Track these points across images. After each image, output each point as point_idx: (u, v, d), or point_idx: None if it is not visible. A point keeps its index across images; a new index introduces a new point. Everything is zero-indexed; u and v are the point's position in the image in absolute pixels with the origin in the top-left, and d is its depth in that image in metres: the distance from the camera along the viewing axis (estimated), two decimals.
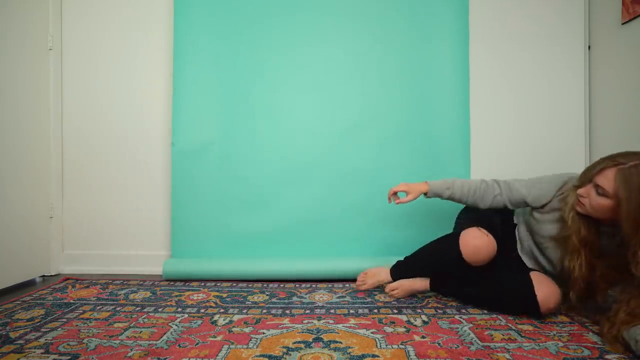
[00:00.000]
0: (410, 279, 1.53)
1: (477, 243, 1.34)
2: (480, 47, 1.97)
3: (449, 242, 1.41)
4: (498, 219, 1.46)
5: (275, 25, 1.89)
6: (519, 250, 1.46)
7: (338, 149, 1.88)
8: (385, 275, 1.57)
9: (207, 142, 1.88)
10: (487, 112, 2.00)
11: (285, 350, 1.06)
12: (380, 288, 1.61)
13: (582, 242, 1.20)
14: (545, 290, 1.25)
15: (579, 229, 1.21)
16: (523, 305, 1.28)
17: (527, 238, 1.43)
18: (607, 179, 1.12)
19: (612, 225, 1.17)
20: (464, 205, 1.56)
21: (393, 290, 1.53)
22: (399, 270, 1.55)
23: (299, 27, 1.89)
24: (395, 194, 1.55)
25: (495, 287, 1.36)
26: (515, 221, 1.51)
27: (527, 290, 1.26)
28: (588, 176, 1.19)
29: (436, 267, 1.49)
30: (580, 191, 1.19)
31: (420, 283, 1.52)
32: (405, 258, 1.55)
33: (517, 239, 1.47)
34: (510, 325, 1.23)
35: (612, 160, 1.14)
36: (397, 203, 1.53)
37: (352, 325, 1.23)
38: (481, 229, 1.37)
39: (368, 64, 1.89)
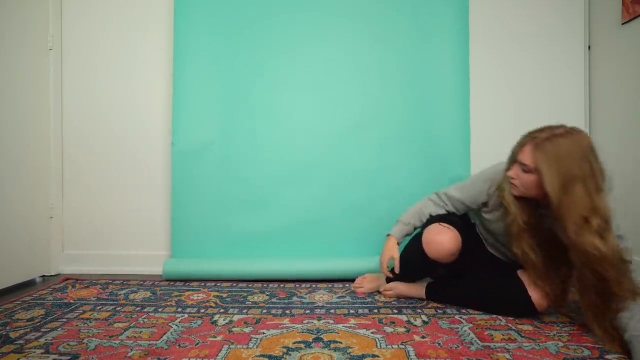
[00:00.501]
0: (407, 284, 1.52)
1: (439, 239, 1.34)
2: (481, 47, 1.97)
3: (416, 243, 1.41)
4: (457, 217, 1.46)
5: (275, 25, 1.89)
6: (487, 247, 1.47)
7: (338, 149, 1.88)
8: (382, 281, 1.59)
9: (207, 142, 1.88)
10: (487, 112, 2.00)
11: (285, 350, 1.06)
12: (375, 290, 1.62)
13: (525, 224, 1.21)
14: (538, 289, 1.24)
15: (519, 213, 1.22)
16: (520, 308, 1.28)
17: (488, 236, 1.44)
18: (526, 155, 1.15)
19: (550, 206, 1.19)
20: None
21: (387, 290, 1.54)
22: (391, 276, 1.55)
23: (299, 27, 1.89)
24: (387, 268, 1.49)
25: (489, 295, 1.35)
26: (472, 220, 1.52)
27: (521, 293, 1.26)
28: (512, 157, 1.21)
29: (412, 269, 1.48)
30: (509, 173, 1.21)
31: (416, 290, 1.50)
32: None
33: (481, 236, 1.48)
34: (510, 325, 1.23)
35: (529, 135, 1.17)
36: (397, 272, 1.48)
37: (352, 325, 1.23)
38: (442, 223, 1.37)
39: (368, 64, 1.89)
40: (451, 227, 1.36)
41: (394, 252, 1.47)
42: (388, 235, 1.51)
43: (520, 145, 1.18)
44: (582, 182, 1.07)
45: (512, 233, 1.24)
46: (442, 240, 1.33)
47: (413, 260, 1.44)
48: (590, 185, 1.07)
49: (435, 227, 1.37)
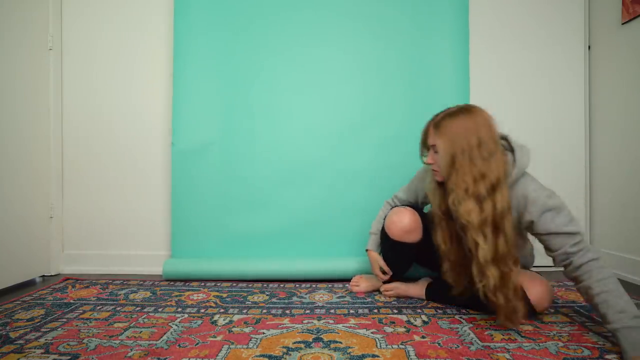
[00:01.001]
0: (407, 284, 1.53)
1: (396, 217, 1.40)
2: (480, 47, 1.97)
3: (383, 236, 1.48)
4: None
5: (274, 24, 1.89)
6: None
7: (338, 149, 1.88)
8: (378, 280, 1.59)
9: (207, 142, 1.88)
10: (487, 111, 2.00)
11: (285, 350, 1.06)
12: (376, 290, 1.62)
13: (444, 213, 1.25)
14: (537, 289, 1.23)
15: (439, 201, 1.26)
16: None
17: None
18: (431, 136, 1.22)
19: None
20: None
21: (387, 290, 1.54)
22: (387, 279, 1.57)
23: (299, 26, 1.89)
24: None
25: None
26: None
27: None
28: (423, 144, 1.28)
29: (395, 263, 1.51)
30: (427, 161, 1.25)
31: (416, 290, 1.51)
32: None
33: None
34: None
35: (431, 119, 1.25)
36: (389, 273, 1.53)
37: (352, 325, 1.23)
38: (399, 206, 1.46)
39: (368, 64, 1.89)
40: (407, 207, 1.43)
41: (378, 260, 1.54)
42: (367, 250, 1.59)
43: (426, 130, 1.25)
44: (468, 153, 1.11)
45: (435, 224, 1.28)
46: (400, 218, 1.40)
47: (388, 253, 1.49)
48: (475, 154, 1.11)
49: (392, 210, 1.45)
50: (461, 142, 1.12)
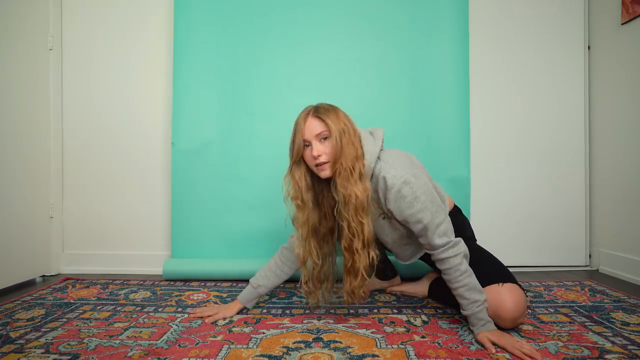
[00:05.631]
0: (414, 284, 1.56)
1: None
2: (480, 47, 1.98)
3: None
4: None
5: (275, 23, 1.89)
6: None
7: None
8: (376, 280, 1.62)
9: (207, 142, 1.88)
10: (487, 111, 2.00)
11: (285, 350, 1.06)
12: (379, 289, 1.63)
13: (319, 223, 1.26)
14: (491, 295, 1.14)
15: (311, 210, 1.23)
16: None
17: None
18: (314, 125, 1.13)
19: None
20: None
21: (394, 291, 1.58)
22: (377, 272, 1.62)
23: (299, 25, 1.89)
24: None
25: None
26: None
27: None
28: (298, 147, 1.16)
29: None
30: (313, 154, 1.13)
31: (422, 289, 1.53)
32: None
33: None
34: None
35: (302, 116, 1.16)
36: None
37: (352, 325, 1.23)
38: None
39: (368, 63, 1.89)
40: None
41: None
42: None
43: (301, 125, 1.15)
44: (347, 135, 1.13)
45: (303, 235, 1.24)
46: None
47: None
48: (349, 139, 1.13)
49: None
50: (342, 125, 1.13)
